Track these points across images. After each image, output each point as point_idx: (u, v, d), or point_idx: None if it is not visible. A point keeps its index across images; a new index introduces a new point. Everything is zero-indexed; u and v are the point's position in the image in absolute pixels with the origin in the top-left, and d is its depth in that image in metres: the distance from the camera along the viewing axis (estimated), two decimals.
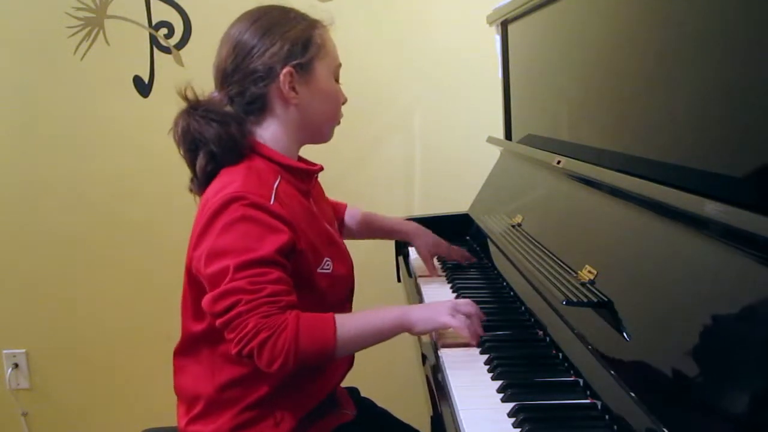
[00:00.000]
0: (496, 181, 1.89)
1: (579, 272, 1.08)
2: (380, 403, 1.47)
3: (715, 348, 0.75)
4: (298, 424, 1.21)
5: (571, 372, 1.04)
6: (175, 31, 2.25)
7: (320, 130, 1.30)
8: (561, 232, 1.32)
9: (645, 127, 1.09)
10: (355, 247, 1.44)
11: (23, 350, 2.42)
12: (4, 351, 2.42)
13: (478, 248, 1.77)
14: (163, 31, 2.25)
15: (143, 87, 2.28)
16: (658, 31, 1.03)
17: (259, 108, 1.23)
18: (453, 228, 1.83)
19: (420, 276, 1.63)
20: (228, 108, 1.24)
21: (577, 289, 1.03)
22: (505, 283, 1.46)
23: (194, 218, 1.20)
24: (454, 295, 1.46)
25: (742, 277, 0.75)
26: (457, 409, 0.97)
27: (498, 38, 1.88)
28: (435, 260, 1.67)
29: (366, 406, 1.42)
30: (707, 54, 0.89)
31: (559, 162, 1.36)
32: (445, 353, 1.16)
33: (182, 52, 2.25)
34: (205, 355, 1.23)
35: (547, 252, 1.25)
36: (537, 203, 1.52)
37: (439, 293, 1.49)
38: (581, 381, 1.00)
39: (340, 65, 1.30)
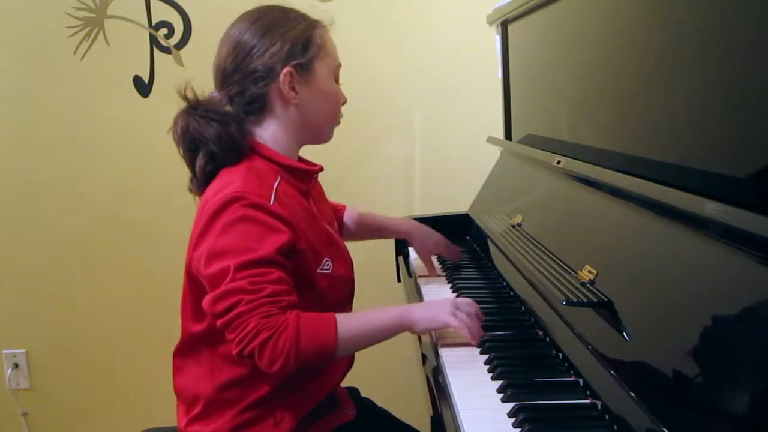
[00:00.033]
0: (496, 181, 1.89)
1: (579, 272, 1.08)
2: (380, 403, 1.47)
3: (715, 348, 0.75)
4: (298, 424, 1.21)
5: (571, 372, 1.04)
6: (175, 31, 2.25)
7: (320, 131, 1.30)
8: (561, 232, 1.32)
9: (645, 127, 1.09)
10: (355, 247, 1.44)
11: (23, 350, 2.42)
12: (4, 351, 2.42)
13: (478, 248, 1.77)
14: (163, 31, 2.25)
15: (143, 87, 2.28)
16: (658, 31, 1.03)
17: (258, 108, 1.23)
18: (453, 228, 1.83)
19: (420, 276, 1.63)
20: (228, 108, 1.24)
21: (577, 289, 1.03)
22: (505, 283, 1.46)
23: (194, 218, 1.20)
24: (455, 295, 1.46)
25: (742, 277, 0.75)
26: (457, 409, 0.97)
27: (498, 38, 1.88)
28: (435, 261, 1.67)
29: (366, 406, 1.42)
30: (707, 54, 0.89)
31: (559, 162, 1.36)
32: (445, 353, 1.16)
33: (182, 52, 2.25)
34: (205, 356, 1.23)
35: (547, 252, 1.25)
36: (537, 203, 1.52)
37: (439, 293, 1.49)
38: (581, 381, 1.00)
39: (340, 65, 1.30)
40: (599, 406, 0.92)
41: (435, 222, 1.71)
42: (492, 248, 1.61)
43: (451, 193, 2.17)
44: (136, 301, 2.36)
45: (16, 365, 2.42)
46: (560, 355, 1.09)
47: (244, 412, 1.20)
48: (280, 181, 1.20)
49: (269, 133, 1.25)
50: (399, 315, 1.16)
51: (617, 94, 1.21)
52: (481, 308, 1.22)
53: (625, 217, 1.08)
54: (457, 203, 1.96)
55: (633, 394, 0.82)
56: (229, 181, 1.16)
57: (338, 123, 1.32)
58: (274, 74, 1.21)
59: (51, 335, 2.40)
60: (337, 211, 1.57)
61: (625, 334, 0.90)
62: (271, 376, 1.16)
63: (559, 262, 1.18)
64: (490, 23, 1.91)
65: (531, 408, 0.94)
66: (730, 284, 0.77)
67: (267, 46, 1.20)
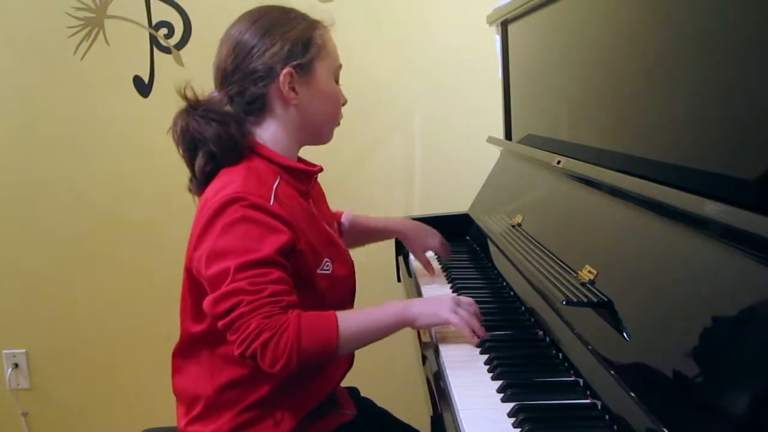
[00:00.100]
0: (496, 181, 1.89)
1: (579, 272, 1.08)
2: (380, 403, 1.47)
3: (715, 348, 0.75)
4: (298, 424, 1.21)
5: (571, 372, 1.04)
6: (175, 31, 2.25)
7: (320, 131, 1.30)
8: (561, 232, 1.32)
9: (645, 127, 1.09)
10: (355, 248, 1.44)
11: (23, 350, 2.42)
12: (4, 351, 2.42)
13: (478, 248, 1.77)
14: (163, 31, 2.25)
15: (143, 87, 2.28)
16: (658, 31, 1.03)
17: (258, 108, 1.23)
18: (453, 228, 1.83)
19: (420, 276, 1.63)
20: (228, 108, 1.24)
21: (577, 289, 1.03)
22: (505, 283, 1.46)
23: (193, 218, 1.20)
24: (455, 295, 1.46)
25: (742, 277, 0.75)
26: (457, 409, 0.97)
27: (498, 38, 1.88)
28: (435, 263, 1.66)
29: (366, 406, 1.42)
30: (707, 54, 0.89)
31: (559, 162, 1.36)
32: (445, 353, 1.16)
33: (182, 52, 2.25)
34: (205, 357, 1.23)
35: (547, 252, 1.25)
36: (537, 203, 1.52)
37: (439, 293, 1.49)
38: (581, 381, 1.00)
39: (340, 66, 1.30)
40: (599, 406, 0.92)
41: (435, 222, 1.71)
42: (492, 248, 1.61)
43: (451, 193, 2.17)
44: (136, 301, 2.36)
45: (16, 365, 2.42)
46: (560, 355, 1.09)
47: (244, 413, 1.20)
48: (279, 182, 1.20)
49: (269, 133, 1.25)
50: (399, 311, 1.16)
51: (617, 94, 1.21)
52: (481, 308, 1.22)
53: (625, 217, 1.08)
54: (457, 203, 1.96)
55: (633, 394, 0.82)
56: (228, 182, 1.16)
57: (338, 124, 1.32)
58: (274, 74, 1.20)
59: (51, 335, 2.40)
60: (335, 216, 1.56)
61: (625, 334, 0.90)
62: (271, 377, 1.16)
63: (559, 262, 1.18)
64: (490, 23, 1.91)
65: (531, 408, 0.94)
66: (730, 284, 0.77)
67: (267, 46, 1.20)
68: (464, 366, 1.11)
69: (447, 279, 1.59)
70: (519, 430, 0.90)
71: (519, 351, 1.15)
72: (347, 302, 1.34)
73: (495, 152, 1.97)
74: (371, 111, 2.23)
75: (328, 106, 1.28)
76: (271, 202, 1.14)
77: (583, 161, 1.27)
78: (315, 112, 1.26)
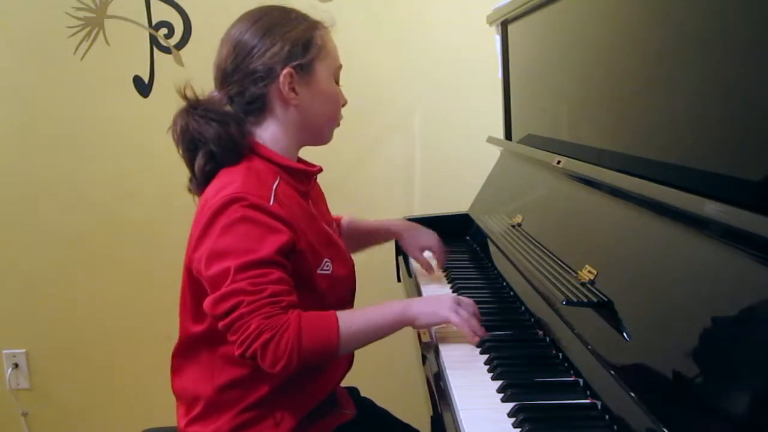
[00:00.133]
0: (496, 181, 1.89)
1: (579, 272, 1.08)
2: (380, 403, 1.47)
3: (715, 348, 0.75)
4: (298, 425, 1.21)
5: (571, 372, 1.03)
6: (175, 31, 2.25)
7: (320, 132, 1.30)
8: (561, 232, 1.32)
9: (645, 127, 1.09)
10: None
11: (23, 350, 2.42)
12: (4, 351, 2.42)
13: (478, 248, 1.77)
14: (163, 31, 2.25)
15: (143, 87, 2.28)
16: (658, 31, 1.03)
17: (258, 108, 1.23)
18: (453, 228, 1.83)
19: (420, 276, 1.63)
20: (228, 108, 1.24)
21: (577, 289, 1.03)
22: (505, 283, 1.46)
23: (193, 218, 1.20)
24: (455, 295, 1.46)
25: (742, 277, 0.75)
26: (457, 409, 0.97)
27: (498, 38, 1.88)
28: (434, 263, 1.65)
29: (366, 406, 1.42)
30: (707, 54, 0.89)
31: (559, 162, 1.36)
32: (445, 353, 1.16)
33: (182, 52, 2.25)
34: (205, 357, 1.23)
35: (547, 252, 1.25)
36: (537, 203, 1.52)
37: (439, 293, 1.49)
38: (581, 381, 1.00)
39: (340, 67, 1.30)
40: (599, 406, 0.92)
41: (435, 222, 1.71)
42: (492, 248, 1.61)
43: (451, 193, 2.17)
44: (136, 301, 2.36)
45: (16, 365, 2.42)
46: (560, 355, 1.09)
47: (244, 413, 1.20)
48: (279, 182, 1.20)
49: (269, 133, 1.25)
50: (400, 311, 1.16)
51: (617, 94, 1.21)
52: (482, 308, 1.22)
53: (625, 217, 1.08)
54: (457, 203, 1.96)
55: (633, 394, 0.82)
56: (228, 182, 1.16)
57: (338, 124, 1.32)
58: (274, 75, 1.20)
59: (51, 335, 2.40)
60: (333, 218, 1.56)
61: (625, 334, 0.90)
62: (271, 377, 1.16)
63: (559, 262, 1.18)
64: (490, 23, 1.91)
65: (531, 408, 0.94)
66: (730, 284, 0.77)
67: (267, 46, 1.20)
68: (464, 366, 1.11)
69: (447, 279, 1.59)
70: (519, 430, 0.90)
71: (519, 351, 1.15)
72: (347, 302, 1.34)
73: (495, 152, 1.97)
74: (371, 111, 2.23)
75: (328, 106, 1.28)
76: (271, 203, 1.14)
77: (583, 161, 1.27)
78: (315, 113, 1.26)
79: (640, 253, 0.99)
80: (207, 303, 1.11)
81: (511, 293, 1.40)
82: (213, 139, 1.19)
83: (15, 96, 2.30)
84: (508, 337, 1.20)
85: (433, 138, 2.27)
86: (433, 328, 1.24)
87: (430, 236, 1.62)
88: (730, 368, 0.71)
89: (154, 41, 2.26)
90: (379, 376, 1.88)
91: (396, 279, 1.81)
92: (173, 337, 1.29)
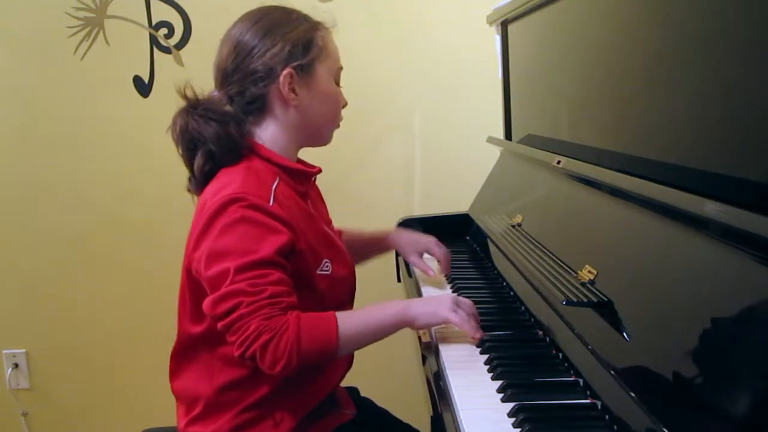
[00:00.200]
0: (496, 181, 1.89)
1: (579, 272, 1.08)
2: (380, 403, 1.47)
3: (715, 348, 0.75)
4: (297, 425, 1.21)
5: (571, 372, 1.03)
6: (175, 31, 2.25)
7: (320, 133, 1.30)
8: (561, 232, 1.32)
9: (645, 127, 1.09)
10: None
11: (23, 350, 2.42)
12: (4, 351, 2.42)
13: (478, 248, 1.77)
14: (163, 31, 2.25)
15: (143, 87, 2.28)
16: (658, 31, 1.03)
17: (258, 108, 1.23)
18: (453, 228, 1.83)
19: (420, 276, 1.63)
20: (227, 108, 1.23)
21: (577, 289, 1.03)
22: (505, 283, 1.46)
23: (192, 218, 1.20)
24: (454, 295, 1.46)
25: (742, 277, 0.75)
26: (457, 409, 0.97)
27: (498, 38, 1.88)
28: (435, 264, 1.65)
29: (366, 406, 1.42)
30: (707, 54, 0.89)
31: (559, 162, 1.36)
32: (445, 353, 1.16)
33: (182, 52, 2.25)
34: (204, 357, 1.23)
35: (547, 252, 1.25)
36: (537, 203, 1.52)
37: (439, 293, 1.49)
38: (581, 381, 1.00)
39: (341, 68, 1.29)
40: (599, 406, 0.92)
41: (435, 222, 1.72)
42: (492, 248, 1.61)
43: (451, 193, 2.17)
44: (136, 301, 2.36)
45: (16, 365, 2.42)
46: (560, 355, 1.09)
47: (244, 413, 1.20)
48: (278, 182, 1.20)
49: (268, 133, 1.24)
50: (399, 311, 1.16)
51: (617, 94, 1.21)
52: (481, 308, 1.23)
53: (625, 217, 1.08)
54: (457, 203, 1.96)
55: (633, 394, 0.82)
56: (228, 182, 1.16)
57: (338, 126, 1.31)
58: (275, 75, 1.20)
59: (51, 335, 2.40)
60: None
61: (625, 334, 0.90)
62: (271, 377, 1.16)
63: (559, 262, 1.18)
64: (490, 23, 1.91)
65: (531, 408, 0.94)
66: (730, 284, 0.77)
67: (268, 46, 1.20)
68: (464, 366, 1.11)
69: (447, 279, 1.59)
70: (519, 430, 0.90)
71: (519, 351, 1.15)
72: (347, 303, 1.34)
73: (495, 152, 1.97)
74: (371, 111, 2.23)
75: (327, 107, 1.28)
76: (271, 203, 1.14)
77: (583, 161, 1.27)
78: (314, 114, 1.26)
79: (640, 253, 0.99)
80: (206, 303, 1.11)
81: (511, 293, 1.40)
82: (212, 138, 1.19)
83: (15, 96, 2.30)
84: (508, 337, 1.20)
85: (433, 138, 2.27)
86: (433, 329, 1.24)
87: (427, 238, 1.60)
88: (730, 368, 0.71)
89: (154, 41, 2.26)
90: (379, 376, 1.88)
91: (396, 279, 1.81)
92: (173, 338, 1.29)
